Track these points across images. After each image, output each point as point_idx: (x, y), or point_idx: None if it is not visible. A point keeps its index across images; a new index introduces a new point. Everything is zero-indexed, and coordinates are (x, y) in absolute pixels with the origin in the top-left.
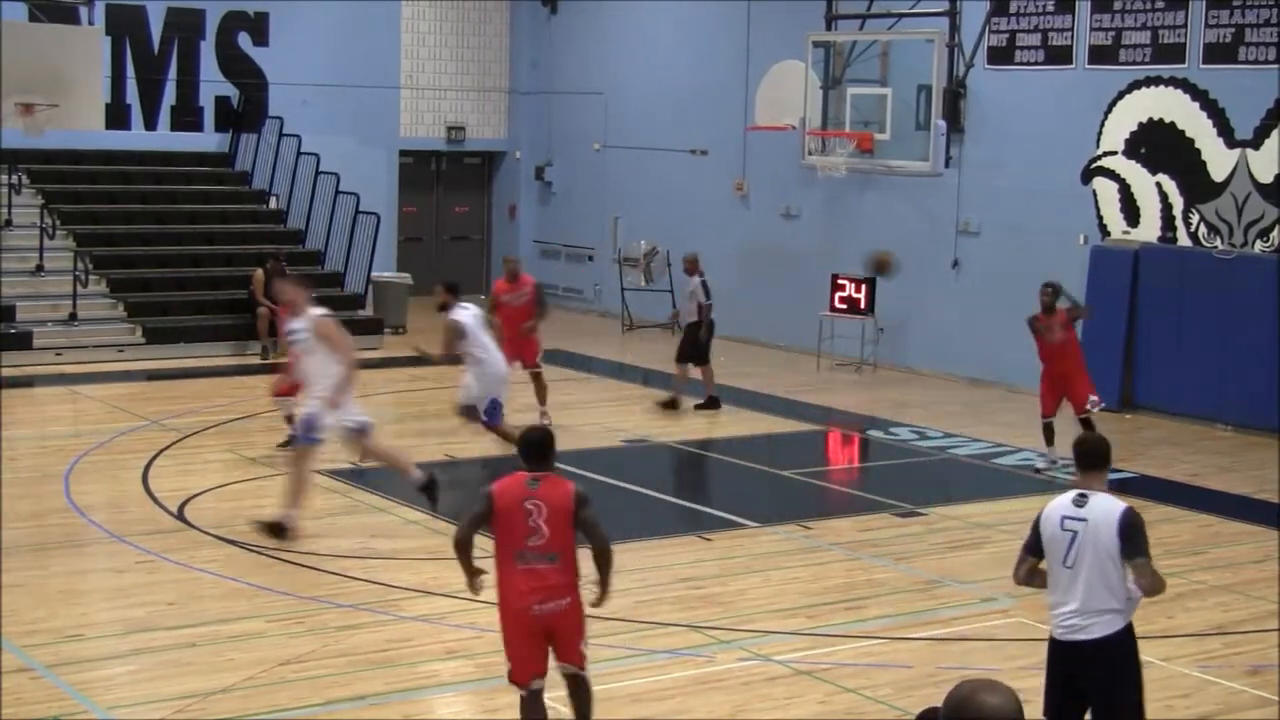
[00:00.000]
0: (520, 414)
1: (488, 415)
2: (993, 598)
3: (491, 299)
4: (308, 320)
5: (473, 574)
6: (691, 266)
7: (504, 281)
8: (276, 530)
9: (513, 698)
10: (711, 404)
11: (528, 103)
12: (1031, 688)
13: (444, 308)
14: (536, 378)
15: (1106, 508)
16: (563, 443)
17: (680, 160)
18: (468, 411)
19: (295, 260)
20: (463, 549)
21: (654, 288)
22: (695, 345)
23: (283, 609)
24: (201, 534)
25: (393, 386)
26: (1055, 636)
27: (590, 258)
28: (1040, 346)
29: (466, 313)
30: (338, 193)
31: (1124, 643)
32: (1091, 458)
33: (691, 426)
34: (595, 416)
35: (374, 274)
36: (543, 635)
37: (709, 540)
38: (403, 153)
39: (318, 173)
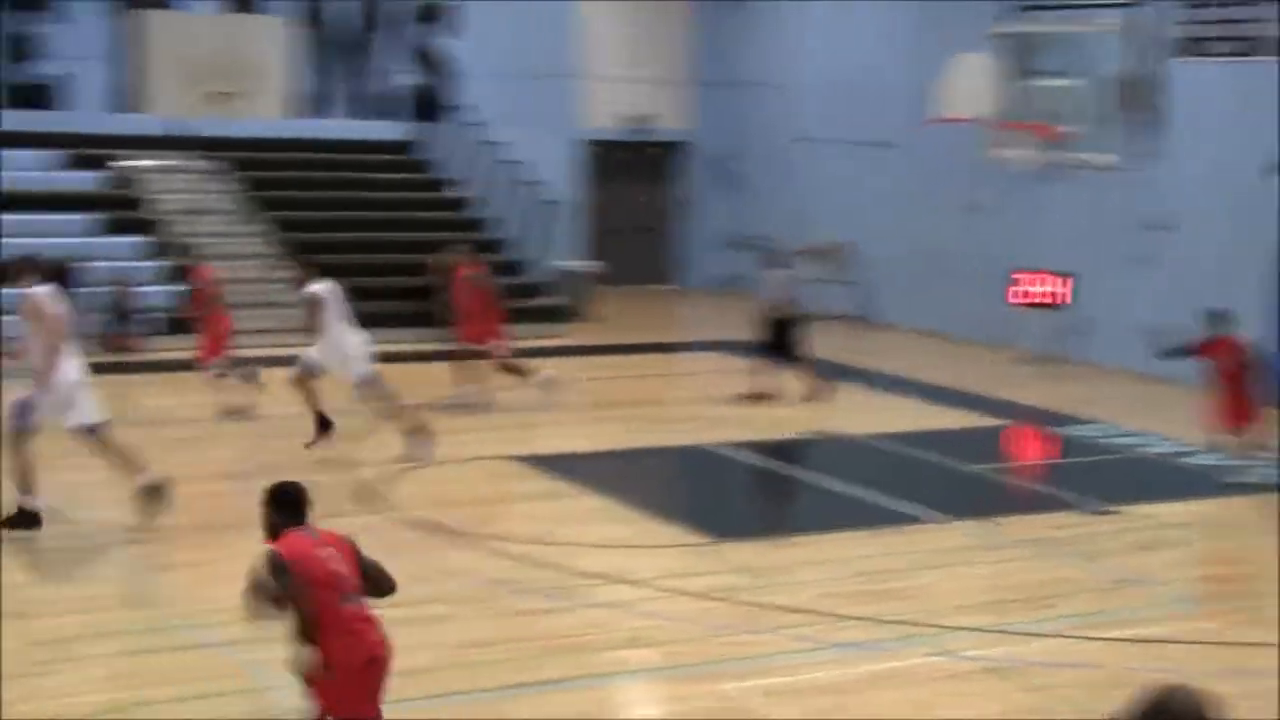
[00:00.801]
0: None
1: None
2: (1184, 599)
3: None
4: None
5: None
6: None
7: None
8: (22, 521)
9: (703, 686)
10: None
11: (711, 94)
12: (1223, 694)
13: (303, 283)
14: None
15: None
16: (738, 433)
17: (863, 153)
18: (306, 371)
19: (477, 248)
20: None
21: (839, 280)
22: (783, 339)
23: (466, 593)
24: (397, 516)
25: (575, 374)
26: None
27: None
28: (1208, 371)
29: (324, 288)
30: (521, 182)
31: None
32: None
33: (870, 420)
34: (773, 408)
35: (560, 263)
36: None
37: (892, 534)
38: (586, 142)
39: (500, 162)
